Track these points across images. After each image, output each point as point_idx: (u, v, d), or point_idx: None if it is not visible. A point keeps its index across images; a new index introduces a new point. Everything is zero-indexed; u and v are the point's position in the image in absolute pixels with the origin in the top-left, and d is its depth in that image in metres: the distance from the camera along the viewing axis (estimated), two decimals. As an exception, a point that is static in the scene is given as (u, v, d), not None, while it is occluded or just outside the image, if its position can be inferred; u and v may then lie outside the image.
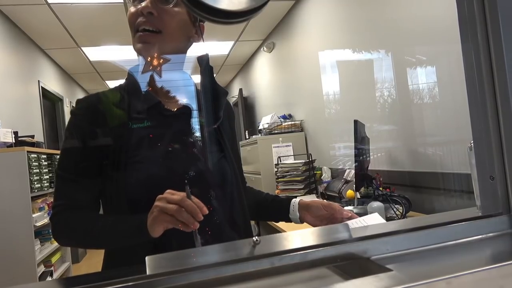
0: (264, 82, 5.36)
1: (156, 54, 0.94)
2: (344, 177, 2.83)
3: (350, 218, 0.91)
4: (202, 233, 0.87)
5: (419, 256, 0.54)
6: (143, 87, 0.93)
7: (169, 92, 0.95)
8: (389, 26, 2.40)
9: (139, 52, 0.91)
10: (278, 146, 3.80)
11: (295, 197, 3.15)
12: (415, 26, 2.12)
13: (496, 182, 0.62)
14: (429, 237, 0.58)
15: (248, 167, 4.42)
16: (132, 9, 0.90)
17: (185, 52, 0.98)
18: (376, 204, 1.89)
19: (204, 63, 0.92)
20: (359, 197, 2.09)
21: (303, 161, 3.31)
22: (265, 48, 4.83)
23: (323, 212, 0.94)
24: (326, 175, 3.34)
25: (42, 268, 3.15)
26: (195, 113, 0.96)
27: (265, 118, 4.35)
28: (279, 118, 4.21)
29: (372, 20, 2.63)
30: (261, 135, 4.14)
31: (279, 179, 3.35)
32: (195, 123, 0.95)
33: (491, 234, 0.60)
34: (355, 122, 1.90)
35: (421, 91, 2.11)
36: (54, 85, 5.00)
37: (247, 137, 4.83)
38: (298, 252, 0.54)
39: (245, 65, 6.22)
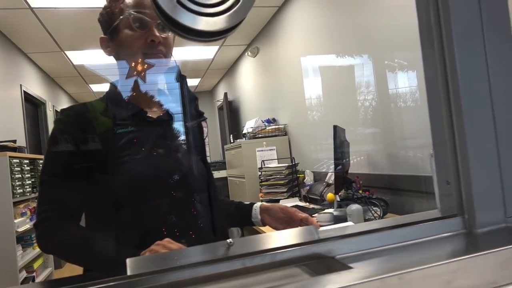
0: (248, 86, 5.42)
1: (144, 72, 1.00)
2: (325, 180, 2.90)
3: (306, 219, 0.97)
4: (186, 237, 0.91)
5: (378, 255, 0.59)
6: (126, 96, 0.98)
7: (148, 101, 1.00)
8: (370, 32, 2.48)
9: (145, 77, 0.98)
10: (262, 150, 3.85)
11: (278, 201, 3.21)
12: (395, 33, 2.20)
13: (451, 186, 0.68)
14: (389, 237, 0.63)
15: (232, 171, 4.46)
16: (132, 33, 0.94)
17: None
18: (354, 206, 1.96)
19: (176, 74, 0.99)
20: (338, 200, 2.15)
21: (286, 164, 3.36)
22: (249, 53, 4.89)
23: (280, 215, 1.01)
24: (308, 179, 3.40)
25: (24, 274, 3.12)
26: (176, 119, 1.03)
27: (249, 122, 4.40)
28: (263, 122, 4.26)
29: (353, 26, 2.70)
30: (245, 139, 4.19)
31: (262, 183, 3.40)
32: (175, 128, 1.01)
33: (446, 234, 0.65)
34: (335, 127, 1.96)
35: (401, 95, 2.18)
36: (37, 89, 4.95)
37: (232, 141, 4.87)
38: (269, 253, 0.58)
39: (230, 69, 6.27)
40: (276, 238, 0.62)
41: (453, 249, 0.59)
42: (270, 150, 3.89)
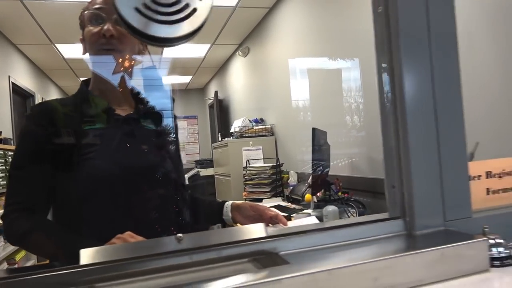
0: (239, 85, 5.45)
1: (115, 69, 1.03)
2: (308, 182, 2.94)
3: (275, 217, 1.01)
4: (149, 230, 0.94)
5: (318, 252, 0.63)
6: (96, 94, 1.01)
7: (118, 100, 1.03)
8: (357, 36, 2.52)
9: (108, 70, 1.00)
10: (248, 150, 3.89)
11: (261, 200, 3.24)
12: None
13: (396, 190, 0.72)
14: (332, 236, 0.67)
15: (219, 169, 4.49)
16: (91, 28, 0.98)
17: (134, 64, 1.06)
18: (331, 208, 2.00)
19: (148, 76, 1.01)
20: (315, 200, 2.19)
21: (271, 165, 3.40)
22: (240, 53, 4.92)
23: (251, 213, 1.04)
24: (292, 179, 3.44)
25: (4, 266, 3.12)
26: (146, 118, 1.06)
27: (237, 121, 4.43)
28: (250, 121, 4.29)
29: (341, 29, 2.74)
30: (232, 138, 4.22)
31: (246, 182, 3.44)
32: (144, 127, 1.04)
33: (388, 235, 0.70)
34: (313, 130, 2.00)
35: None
36: (26, 80, 4.93)
37: (220, 140, 4.90)
38: (217, 248, 0.62)
39: (221, 68, 6.29)
40: (226, 234, 0.66)
41: (387, 249, 0.63)
42: (256, 149, 3.93)
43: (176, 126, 1.17)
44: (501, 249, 0.65)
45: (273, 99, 4.15)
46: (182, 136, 7.78)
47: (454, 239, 0.62)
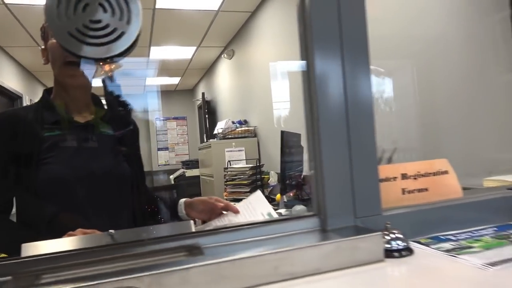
0: (225, 87, 5.53)
1: (80, 82, 1.10)
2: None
3: (226, 207, 1.08)
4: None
5: (236, 246, 0.72)
6: (57, 103, 1.09)
7: (78, 107, 1.11)
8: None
9: (68, 82, 1.08)
10: (231, 151, 3.97)
11: (241, 200, 3.33)
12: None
13: (314, 192, 0.81)
14: (252, 232, 0.75)
15: (204, 169, 4.57)
16: (50, 41, 1.05)
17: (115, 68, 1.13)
18: (299, 207, 2.09)
19: (108, 84, 1.08)
20: (285, 200, 2.28)
21: (251, 165, 3.49)
22: (225, 55, 5.00)
23: (202, 207, 1.11)
24: (273, 179, 3.53)
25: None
26: (104, 125, 1.13)
27: (220, 123, 4.51)
28: (234, 123, 4.38)
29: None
30: (216, 140, 4.30)
31: (227, 182, 3.52)
32: (100, 133, 1.12)
33: (304, 230, 0.78)
34: (282, 132, 2.09)
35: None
36: (13, 83, 4.98)
37: (205, 141, 4.98)
38: (145, 243, 0.70)
39: (209, 70, 6.37)
40: (155, 231, 0.74)
41: (295, 242, 0.72)
42: (239, 151, 4.01)
43: (135, 131, 1.24)
44: (399, 242, 0.74)
45: (256, 101, 4.24)
46: (171, 137, 7.85)
47: (355, 234, 0.71)
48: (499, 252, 0.69)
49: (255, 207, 1.10)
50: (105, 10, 0.66)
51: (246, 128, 4.23)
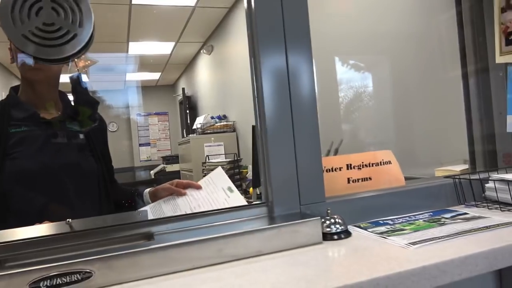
0: (204, 83, 5.56)
1: (42, 76, 1.13)
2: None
3: (187, 185, 1.12)
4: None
5: (186, 233, 0.77)
6: (23, 100, 1.12)
7: (45, 104, 1.15)
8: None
9: (30, 78, 1.11)
10: (210, 146, 4.02)
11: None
12: (337, 37, 2.39)
13: (263, 182, 0.87)
14: (202, 220, 0.81)
15: (184, 165, 4.61)
16: None
17: (60, 72, 1.17)
18: (271, 199, 2.15)
19: (74, 82, 1.12)
20: (258, 193, 2.34)
21: (229, 160, 3.54)
22: (204, 51, 5.02)
23: (165, 194, 1.15)
24: (251, 173, 3.59)
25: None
26: (70, 121, 1.17)
27: (199, 118, 4.55)
28: (213, 118, 4.42)
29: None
30: (195, 135, 4.34)
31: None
32: (66, 129, 1.16)
33: (253, 217, 0.85)
34: (253, 127, 2.14)
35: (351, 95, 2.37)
36: (-12, 79, 4.91)
37: (185, 136, 5.01)
38: (101, 231, 0.75)
39: (189, 65, 6.38)
40: (112, 219, 0.79)
41: (241, 227, 0.78)
42: (218, 145, 4.06)
43: (102, 127, 1.28)
44: (338, 226, 0.80)
45: (235, 96, 4.29)
46: (153, 132, 7.83)
47: (296, 219, 0.78)
48: (425, 233, 0.77)
49: (216, 182, 1.14)
50: (58, 14, 0.71)
51: (225, 123, 4.28)
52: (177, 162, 5.00)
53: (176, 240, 0.69)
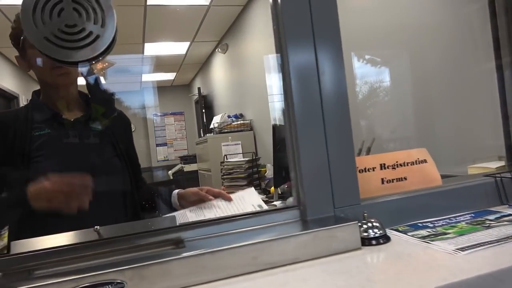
0: (220, 81, 5.54)
1: (71, 79, 1.12)
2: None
3: (218, 194, 1.10)
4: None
5: (218, 239, 0.74)
6: (45, 102, 1.11)
7: (67, 105, 1.13)
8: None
9: (59, 82, 1.10)
10: (227, 145, 3.99)
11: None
12: (355, 32, 2.34)
13: (293, 183, 0.83)
14: (234, 225, 0.78)
15: (201, 164, 4.60)
16: (37, 52, 1.05)
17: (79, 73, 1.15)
18: (292, 198, 2.11)
19: (92, 84, 1.10)
20: (280, 192, 2.30)
21: (247, 159, 3.51)
22: (219, 49, 5.00)
23: (194, 198, 1.13)
24: (269, 172, 3.55)
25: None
26: (92, 119, 1.15)
27: (216, 117, 4.53)
28: (230, 117, 4.39)
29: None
30: (212, 134, 4.32)
31: (224, 176, 3.54)
32: (89, 129, 1.14)
33: (285, 221, 0.81)
34: (273, 126, 2.11)
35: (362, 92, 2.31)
36: (9, 83, 5.00)
37: (202, 135, 5.00)
38: (130, 237, 0.73)
39: (204, 64, 6.37)
40: (141, 225, 0.76)
41: (275, 233, 0.74)
42: (235, 144, 4.03)
43: (126, 124, 1.25)
44: (376, 230, 0.76)
45: (251, 95, 4.25)
46: (169, 132, 7.87)
47: (333, 223, 0.73)
48: (471, 238, 0.72)
49: (246, 199, 1.13)
50: (80, 15, 0.68)
51: (242, 122, 4.25)
52: (195, 162, 5.00)
53: (208, 247, 0.66)
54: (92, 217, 1.05)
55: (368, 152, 1.08)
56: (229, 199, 1.12)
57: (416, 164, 0.95)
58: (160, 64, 6.12)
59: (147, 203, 1.26)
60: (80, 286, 0.57)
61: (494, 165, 1.30)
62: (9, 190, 1.03)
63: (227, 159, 3.73)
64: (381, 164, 0.92)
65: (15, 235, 0.86)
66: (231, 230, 0.78)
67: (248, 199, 1.15)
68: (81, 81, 1.19)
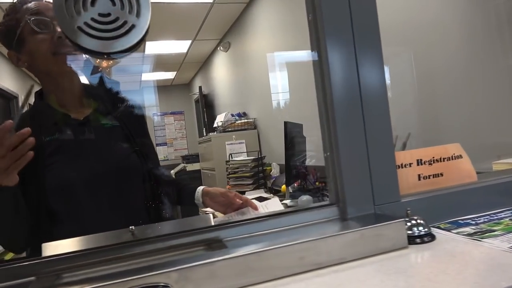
0: (222, 80, 5.50)
1: (93, 70, 1.07)
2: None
3: (245, 202, 1.07)
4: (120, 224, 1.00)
5: (257, 238, 0.71)
6: (50, 104, 1.04)
7: (74, 104, 1.07)
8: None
9: (63, 70, 1.01)
10: (231, 144, 3.96)
11: (244, 193, 3.33)
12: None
13: (331, 180, 0.80)
14: (271, 223, 0.75)
15: (205, 163, 4.56)
16: (42, 36, 0.98)
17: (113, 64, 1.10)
18: (305, 197, 2.08)
19: (98, 83, 1.06)
20: (291, 191, 2.27)
21: (253, 157, 3.48)
22: (221, 48, 4.96)
23: (220, 199, 1.09)
24: (275, 171, 3.52)
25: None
26: (102, 115, 1.09)
27: (220, 116, 4.49)
28: (233, 116, 4.36)
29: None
30: (216, 133, 4.29)
31: (230, 175, 3.51)
32: (101, 126, 1.08)
33: (323, 220, 0.78)
34: (285, 123, 2.08)
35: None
36: (8, 82, 4.93)
37: (205, 134, 4.96)
38: (166, 238, 0.69)
39: (205, 63, 6.33)
40: (175, 226, 0.73)
41: (317, 232, 0.71)
42: (239, 143, 4.00)
43: (139, 116, 1.19)
44: (420, 228, 0.73)
45: (254, 93, 4.22)
46: (169, 132, 7.82)
47: (376, 221, 0.70)
48: (522, 234, 0.69)
49: (270, 208, 1.12)
50: (114, 4, 0.65)
51: (246, 120, 4.21)
52: (197, 161, 4.96)
53: (251, 247, 0.63)
54: (118, 219, 1.01)
55: (404, 147, 1.05)
56: (255, 208, 1.08)
57: (452, 159, 0.92)
58: (161, 63, 6.07)
59: (168, 196, 1.20)
60: (124, 290, 0.54)
61: (520, 160, 1.27)
62: (30, 204, 0.96)
63: (232, 158, 3.70)
64: (417, 160, 0.89)
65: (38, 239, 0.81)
66: (268, 229, 0.75)
67: (272, 208, 1.14)
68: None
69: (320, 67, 0.79)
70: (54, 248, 0.66)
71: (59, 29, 0.97)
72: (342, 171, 0.76)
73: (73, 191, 0.97)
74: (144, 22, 0.66)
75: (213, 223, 0.74)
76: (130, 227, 0.69)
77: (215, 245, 0.69)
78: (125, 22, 0.65)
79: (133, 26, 0.65)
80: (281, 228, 0.75)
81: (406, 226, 0.73)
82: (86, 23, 0.63)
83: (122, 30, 0.64)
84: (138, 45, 0.69)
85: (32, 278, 0.62)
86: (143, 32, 0.66)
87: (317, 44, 0.79)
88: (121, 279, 0.54)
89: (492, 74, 1.55)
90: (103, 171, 1.00)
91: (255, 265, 0.60)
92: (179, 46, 5.30)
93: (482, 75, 1.59)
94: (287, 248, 0.62)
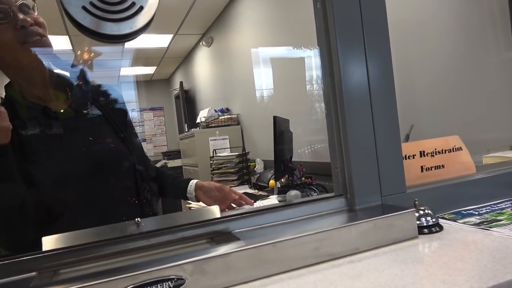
0: (204, 75, 5.44)
1: (74, 62, 1.02)
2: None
3: (240, 197, 1.05)
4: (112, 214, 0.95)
5: (267, 229, 0.69)
6: (28, 97, 0.96)
7: (51, 94, 0.99)
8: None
9: (33, 63, 0.93)
10: (214, 139, 3.92)
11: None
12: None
13: (338, 171, 0.79)
14: (280, 214, 0.73)
15: (187, 160, 4.50)
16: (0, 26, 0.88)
17: (94, 56, 1.06)
18: (294, 192, 2.08)
19: (80, 76, 1.01)
20: (279, 186, 2.27)
21: (237, 153, 3.45)
22: (203, 43, 4.90)
23: (215, 193, 1.06)
24: (259, 167, 3.51)
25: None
26: (82, 105, 1.02)
27: (203, 111, 4.44)
28: (216, 111, 4.32)
29: (303, 20, 2.80)
30: (199, 129, 4.24)
31: (214, 171, 3.48)
32: (83, 116, 1.02)
33: (332, 211, 0.77)
34: (274, 118, 2.06)
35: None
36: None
37: (187, 130, 4.90)
38: (173, 230, 0.67)
39: (186, 58, 6.24)
40: (182, 217, 0.70)
41: (328, 223, 0.70)
42: (222, 139, 3.96)
43: (124, 110, 1.13)
44: (429, 218, 0.73)
45: (237, 89, 4.18)
46: (149, 128, 7.68)
47: (386, 212, 0.70)
48: (528, 223, 0.70)
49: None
50: (122, -17, 0.61)
51: (229, 116, 4.18)
52: (179, 157, 4.89)
53: (263, 238, 0.61)
54: (112, 210, 0.97)
55: (407, 139, 1.05)
56: (250, 204, 1.07)
57: (453, 151, 0.92)
58: (140, 57, 5.95)
59: (160, 188, 1.17)
60: (137, 283, 0.51)
61: (509, 154, 1.30)
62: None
63: (216, 153, 3.66)
64: (420, 152, 0.89)
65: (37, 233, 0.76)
66: (278, 221, 0.73)
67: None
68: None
69: (329, 56, 0.77)
70: (56, 242, 0.63)
71: (21, 16, 0.89)
72: (351, 163, 0.76)
73: (65, 184, 0.92)
74: (153, 4, 0.63)
75: (219, 215, 0.72)
76: (136, 219, 0.66)
77: (226, 237, 0.67)
78: (133, 4, 0.62)
79: (141, 8, 0.62)
80: (288, 220, 0.74)
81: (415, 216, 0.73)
82: (91, 3, 0.60)
83: (130, 12, 0.61)
84: (145, 29, 0.65)
85: (34, 273, 0.58)
86: (151, 15, 0.63)
87: (325, 33, 0.78)
88: (131, 273, 0.51)
89: (482, 70, 1.58)
90: (88, 165, 0.95)
91: (270, 257, 0.59)
92: (160, 41, 5.20)
93: (472, 70, 1.62)
94: (302, 238, 0.61)
